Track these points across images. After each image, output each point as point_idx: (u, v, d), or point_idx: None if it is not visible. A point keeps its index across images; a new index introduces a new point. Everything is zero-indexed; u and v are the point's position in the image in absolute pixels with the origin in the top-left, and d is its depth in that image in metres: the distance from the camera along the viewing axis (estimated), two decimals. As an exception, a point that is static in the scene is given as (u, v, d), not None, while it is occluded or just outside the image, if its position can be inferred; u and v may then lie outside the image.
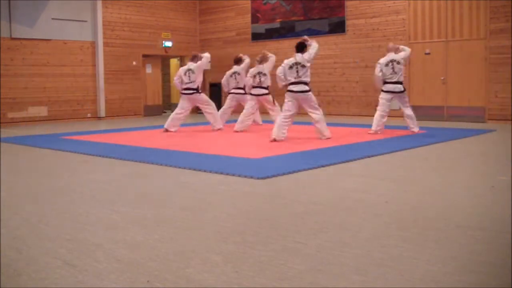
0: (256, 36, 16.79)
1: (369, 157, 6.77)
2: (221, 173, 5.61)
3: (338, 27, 14.86)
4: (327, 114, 14.87)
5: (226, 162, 6.35)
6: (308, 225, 3.61)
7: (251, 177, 5.30)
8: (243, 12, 17.16)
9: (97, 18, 15.44)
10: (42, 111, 14.54)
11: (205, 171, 5.78)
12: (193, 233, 3.45)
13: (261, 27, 16.67)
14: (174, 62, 18.99)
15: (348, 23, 14.66)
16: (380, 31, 14.01)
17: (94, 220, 3.85)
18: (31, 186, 5.19)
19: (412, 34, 13.46)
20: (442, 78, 12.93)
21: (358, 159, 6.59)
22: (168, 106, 19.36)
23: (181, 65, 18.19)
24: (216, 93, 18.16)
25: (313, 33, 15.47)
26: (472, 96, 12.47)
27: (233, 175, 5.48)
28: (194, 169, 5.91)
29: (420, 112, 13.27)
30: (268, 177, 5.31)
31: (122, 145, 8.47)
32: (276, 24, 16.28)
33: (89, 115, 15.55)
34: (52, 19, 14.57)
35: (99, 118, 15.69)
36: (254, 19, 16.83)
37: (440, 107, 13.09)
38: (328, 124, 10.96)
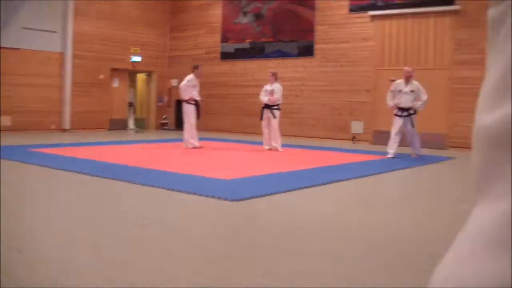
0: (225, 55, 16.94)
1: (339, 181, 6.93)
2: (195, 193, 5.66)
3: (307, 51, 15.15)
4: (294, 135, 15.13)
5: (200, 182, 6.39)
6: (283, 248, 3.70)
7: (226, 199, 5.36)
8: (213, 31, 17.30)
9: (67, 29, 15.31)
10: (6, 120, 14.25)
11: (179, 191, 5.81)
12: (171, 255, 3.49)
13: (230, 46, 16.83)
14: (141, 77, 18.93)
15: (316, 47, 14.97)
16: (348, 56, 14.36)
17: (71, 239, 3.84)
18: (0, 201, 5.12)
19: (379, 61, 13.85)
20: (406, 105, 13.27)
21: (327, 183, 6.74)
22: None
23: (148, 80, 18.23)
24: (181, 110, 18.14)
25: (283, 55, 15.74)
26: (435, 123, 12.87)
27: (207, 196, 5.54)
28: (168, 189, 5.93)
29: (386, 137, 13.59)
30: (242, 199, 5.39)
31: (92, 160, 8.40)
32: (246, 44, 16.47)
33: (53, 126, 15.32)
34: (23, 28, 14.37)
35: (64, 130, 15.47)
36: (224, 38, 16.98)
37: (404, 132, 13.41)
38: (296, 147, 11.19)
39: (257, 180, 6.77)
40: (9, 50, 14.25)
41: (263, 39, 16.08)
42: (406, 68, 10.89)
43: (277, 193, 5.78)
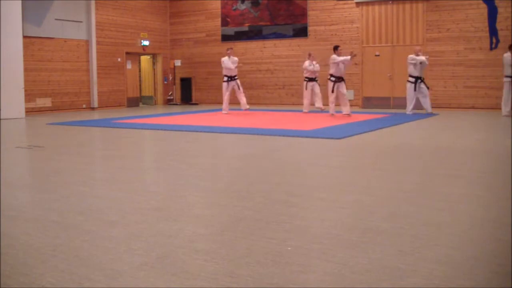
0: (225, 38, 19.47)
1: (385, 127, 9.89)
2: (306, 137, 8.45)
3: (301, 32, 17.96)
4: (290, 104, 17.99)
5: (296, 132, 9.17)
6: (399, 152, 6.60)
7: (330, 138, 8.20)
8: (213, 16, 19.75)
9: (91, 19, 17.38)
10: (47, 102, 16.31)
11: (292, 136, 8.59)
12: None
13: (230, 30, 19.38)
14: (145, 58, 21.13)
15: (310, 28, 17.81)
16: (338, 36, 17.30)
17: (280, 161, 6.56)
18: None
19: (365, 39, 16.88)
20: (389, 74, 16.45)
21: (381, 128, 9.67)
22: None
23: (153, 62, 20.52)
24: (185, 87, 20.62)
25: (279, 36, 18.48)
26: (413, 89, 16.05)
27: (316, 137, 8.36)
28: (282, 135, 8.70)
29: (372, 102, 16.76)
30: (341, 138, 8.26)
31: (193, 125, 10.96)
32: (245, 28, 19.06)
33: (84, 105, 17.47)
34: (55, 19, 16.36)
35: (93, 108, 17.65)
36: (224, 23, 19.49)
37: (387, 97, 16.60)
38: (293, 111, 14.02)
39: (330, 129, 9.61)
40: (46, 39, 16.23)
41: (261, 23, 18.71)
42: (417, 47, 13.99)
43: (359, 133, 8.70)
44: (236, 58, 14.88)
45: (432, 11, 15.80)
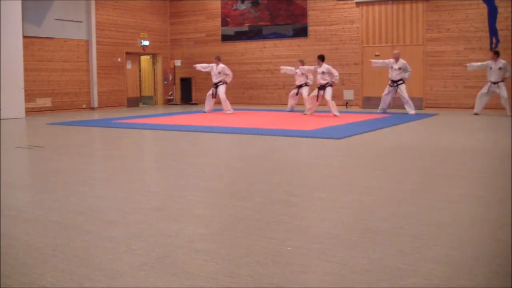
0: (225, 38, 19.47)
1: (384, 127, 9.89)
2: (307, 137, 8.45)
3: (301, 32, 17.96)
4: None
5: (296, 132, 9.17)
6: (399, 151, 6.60)
7: (331, 138, 8.20)
8: (213, 16, 19.74)
9: (91, 19, 17.38)
10: (47, 102, 16.31)
11: (296, 136, 8.59)
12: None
13: (230, 30, 19.37)
14: (145, 58, 21.13)
15: (310, 28, 17.81)
16: (338, 36, 17.30)
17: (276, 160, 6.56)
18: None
19: (365, 39, 16.88)
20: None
21: (380, 128, 9.68)
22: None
23: (153, 62, 20.51)
24: (186, 87, 20.62)
25: (279, 36, 18.47)
26: (413, 89, 16.06)
27: (317, 137, 8.35)
28: (285, 135, 8.70)
29: (372, 102, 16.75)
30: (341, 138, 8.26)
31: (196, 125, 10.96)
32: (245, 28, 19.05)
33: (84, 105, 17.46)
34: (55, 19, 16.36)
35: (93, 108, 17.64)
36: (224, 23, 19.49)
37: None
38: (293, 111, 14.01)
39: (330, 129, 9.61)
40: (46, 39, 16.23)
41: (261, 23, 18.71)
42: (395, 51, 14.12)
43: (359, 133, 8.70)
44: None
45: (432, 11, 15.80)
